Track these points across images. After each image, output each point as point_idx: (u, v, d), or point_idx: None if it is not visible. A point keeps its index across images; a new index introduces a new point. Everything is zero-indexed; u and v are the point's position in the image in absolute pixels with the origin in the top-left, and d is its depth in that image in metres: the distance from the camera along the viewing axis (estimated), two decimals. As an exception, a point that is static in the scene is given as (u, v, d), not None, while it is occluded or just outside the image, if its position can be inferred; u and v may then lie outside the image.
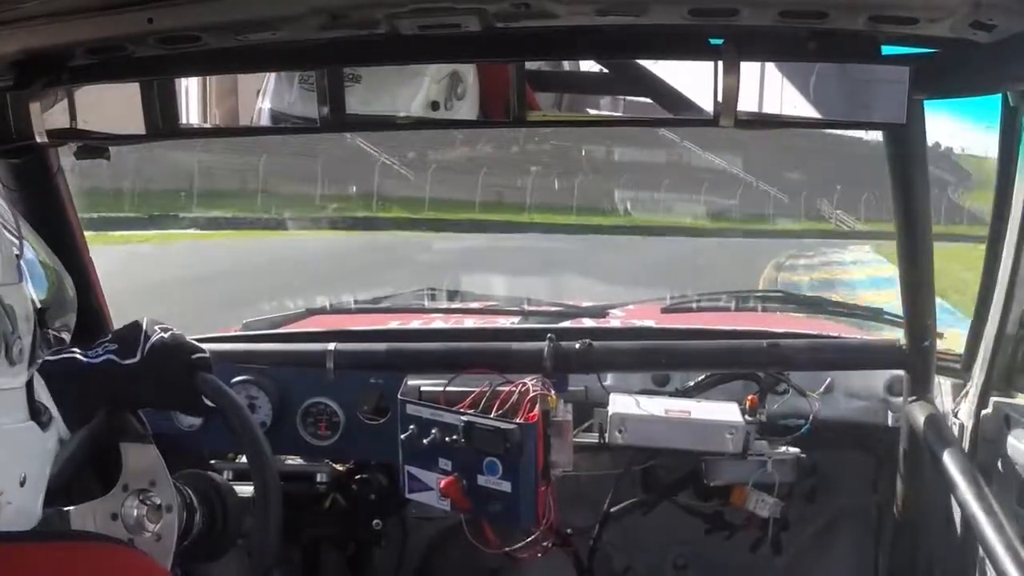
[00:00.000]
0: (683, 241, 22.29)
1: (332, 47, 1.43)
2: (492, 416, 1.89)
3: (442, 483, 1.91)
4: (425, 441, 1.93)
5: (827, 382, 2.26)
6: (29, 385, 1.05)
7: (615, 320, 2.73)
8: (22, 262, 1.04)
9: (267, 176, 25.29)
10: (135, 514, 1.52)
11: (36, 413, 1.06)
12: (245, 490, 1.72)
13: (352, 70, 1.48)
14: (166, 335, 1.48)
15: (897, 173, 1.76)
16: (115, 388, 1.42)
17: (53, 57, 1.50)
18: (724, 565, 2.38)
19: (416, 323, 2.73)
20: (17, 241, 1.05)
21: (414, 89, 1.52)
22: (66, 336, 1.16)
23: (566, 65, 1.56)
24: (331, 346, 2.12)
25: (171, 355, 1.49)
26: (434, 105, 1.52)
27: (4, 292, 0.97)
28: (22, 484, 1.01)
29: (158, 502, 1.51)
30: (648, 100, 1.51)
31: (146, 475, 1.52)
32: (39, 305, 1.08)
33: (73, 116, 1.56)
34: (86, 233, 2.08)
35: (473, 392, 1.98)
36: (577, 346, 2.09)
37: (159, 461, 1.52)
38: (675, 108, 1.48)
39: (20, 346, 1.00)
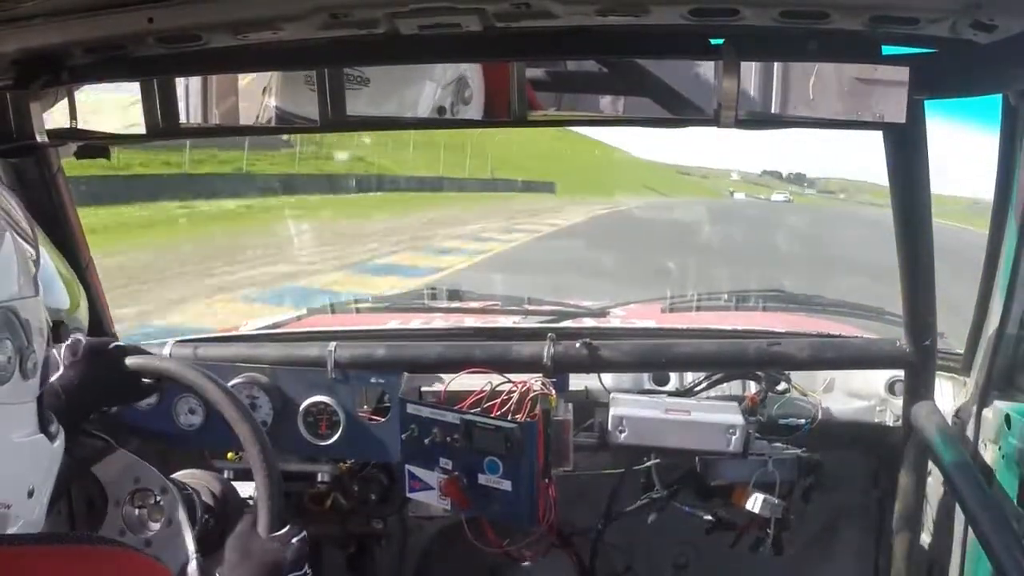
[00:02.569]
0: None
1: (332, 47, 1.43)
2: (493, 415, 1.89)
3: (443, 482, 1.92)
4: (426, 441, 1.93)
5: (828, 381, 2.27)
6: (40, 398, 1.05)
7: (615, 320, 2.73)
8: (39, 274, 1.04)
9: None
10: (136, 516, 1.53)
11: (45, 425, 1.06)
12: (246, 488, 1.72)
13: (360, 73, 1.48)
14: (78, 338, 1.48)
15: (897, 173, 1.76)
16: (55, 409, 1.42)
17: (53, 56, 1.50)
18: (724, 565, 2.38)
19: (416, 323, 2.74)
20: (34, 251, 1.04)
21: (420, 94, 1.52)
22: (81, 337, 1.16)
23: (567, 64, 1.56)
24: (331, 346, 2.12)
25: (94, 353, 1.50)
26: (440, 111, 1.52)
27: (21, 305, 0.97)
28: (30, 496, 1.02)
29: (153, 496, 1.52)
30: (648, 100, 1.51)
31: (127, 477, 1.53)
32: (52, 319, 1.09)
33: (73, 116, 1.56)
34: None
35: (473, 392, 1.98)
36: (577, 346, 2.09)
37: (131, 458, 1.55)
38: (675, 108, 1.48)
39: (34, 360, 1.00)
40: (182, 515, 1.51)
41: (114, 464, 1.54)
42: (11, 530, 0.98)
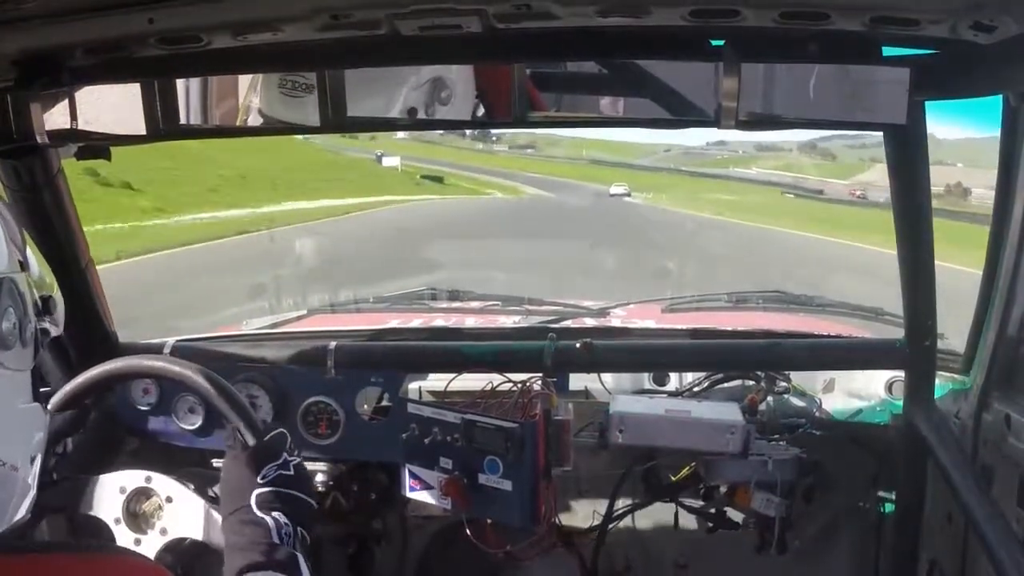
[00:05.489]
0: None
1: (333, 48, 1.43)
2: (493, 415, 1.89)
3: (443, 482, 1.92)
4: (426, 440, 1.93)
5: (828, 382, 2.27)
6: (34, 368, 1.08)
7: (615, 320, 2.73)
8: (25, 253, 1.08)
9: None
10: (139, 519, 1.55)
11: (38, 395, 1.09)
12: None
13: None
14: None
15: (897, 174, 1.76)
16: None
17: (54, 57, 1.50)
18: (725, 565, 2.38)
19: (417, 322, 2.74)
20: (19, 238, 1.08)
21: (392, 96, 1.52)
22: (54, 330, 1.18)
23: (568, 65, 1.56)
24: (332, 345, 2.12)
25: None
26: (411, 112, 1.52)
27: (19, 279, 1.02)
28: (32, 462, 1.05)
29: (144, 490, 1.53)
30: (649, 101, 1.51)
31: (113, 493, 1.55)
32: (40, 294, 1.12)
33: (74, 116, 1.56)
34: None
35: (474, 391, 1.98)
36: (578, 346, 2.09)
37: (105, 476, 1.57)
38: (676, 109, 1.48)
39: (31, 330, 1.05)
40: (177, 487, 1.53)
41: (94, 492, 1.56)
42: (16, 494, 1.01)
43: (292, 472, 1.40)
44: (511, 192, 52.19)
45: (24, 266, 1.05)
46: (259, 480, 1.36)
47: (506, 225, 23.00)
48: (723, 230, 24.93)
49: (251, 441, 1.42)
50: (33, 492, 1.07)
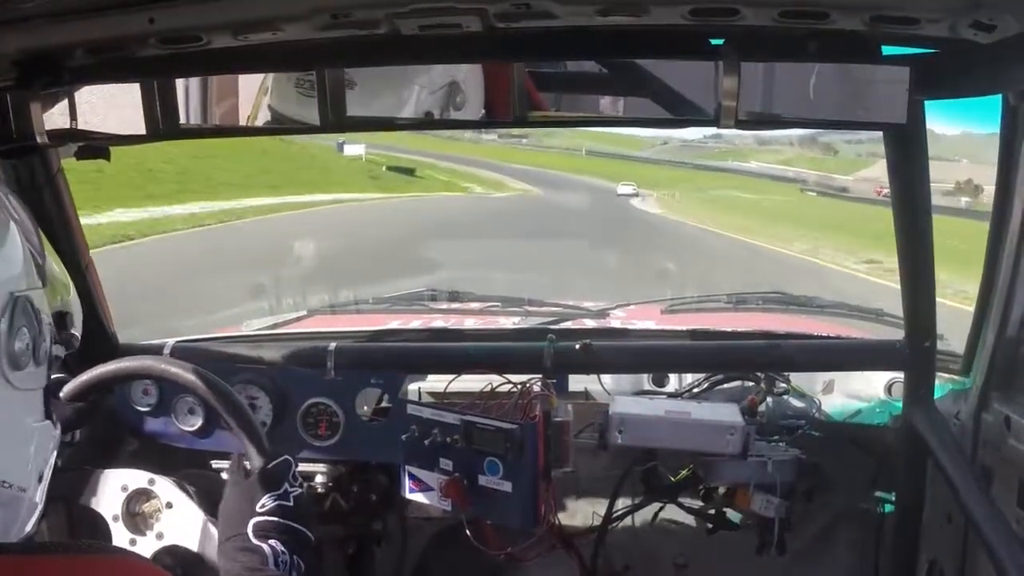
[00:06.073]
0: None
1: (333, 47, 1.43)
2: (493, 416, 1.89)
3: (443, 483, 1.91)
4: (426, 441, 1.93)
5: (827, 383, 2.27)
6: (46, 386, 1.06)
7: (615, 320, 2.73)
8: (45, 266, 1.06)
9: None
10: (138, 520, 1.55)
11: (49, 412, 1.08)
12: None
13: (348, 77, 1.48)
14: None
15: (897, 173, 1.77)
16: None
17: (54, 57, 1.50)
18: (724, 566, 2.38)
19: (416, 323, 2.74)
20: (39, 245, 1.07)
21: (407, 99, 1.52)
22: (77, 333, 1.17)
23: (567, 64, 1.56)
24: (331, 346, 2.12)
25: None
26: (427, 115, 1.52)
27: (34, 296, 1.00)
28: (39, 481, 1.04)
29: (145, 491, 1.53)
30: (648, 100, 1.51)
31: (114, 490, 1.55)
32: (59, 308, 1.10)
33: (73, 116, 1.56)
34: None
35: (474, 392, 1.98)
36: (577, 346, 2.09)
37: (109, 472, 1.56)
38: (675, 108, 1.48)
39: (45, 348, 1.02)
40: (179, 494, 1.53)
41: (96, 485, 1.56)
42: (22, 514, 1.00)
43: (292, 504, 1.39)
44: (492, 187, 46.71)
45: (42, 276, 1.03)
46: (258, 509, 1.36)
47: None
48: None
49: (256, 464, 1.42)
50: (40, 508, 1.06)
